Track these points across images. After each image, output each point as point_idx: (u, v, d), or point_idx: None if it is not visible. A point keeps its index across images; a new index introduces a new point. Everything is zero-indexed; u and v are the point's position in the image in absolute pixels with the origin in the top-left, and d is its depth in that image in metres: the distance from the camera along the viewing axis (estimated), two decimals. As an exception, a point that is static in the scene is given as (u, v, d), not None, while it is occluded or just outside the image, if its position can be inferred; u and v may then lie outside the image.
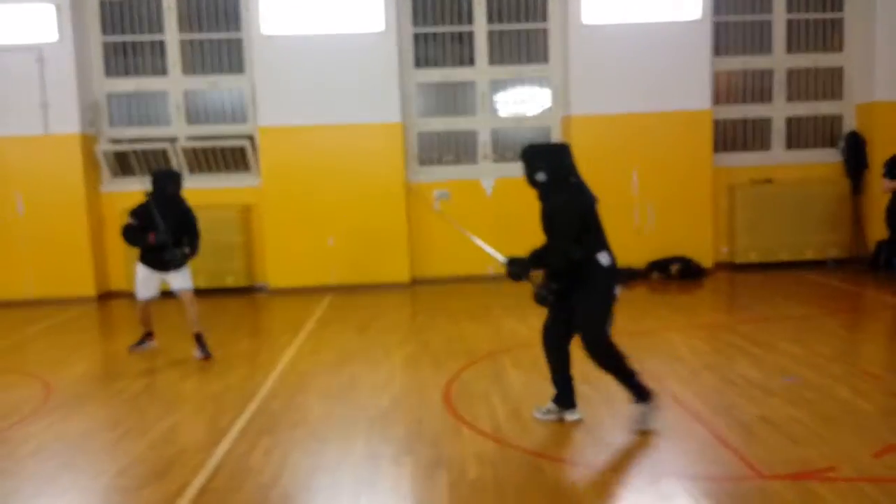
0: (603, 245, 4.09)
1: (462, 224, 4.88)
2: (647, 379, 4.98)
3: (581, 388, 4.88)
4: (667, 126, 9.36)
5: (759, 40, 9.87)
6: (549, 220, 4.16)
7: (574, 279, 4.04)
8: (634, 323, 6.87)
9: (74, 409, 4.97)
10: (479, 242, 4.73)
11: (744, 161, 9.94)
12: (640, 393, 4.07)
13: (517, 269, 4.14)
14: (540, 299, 4.10)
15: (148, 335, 6.42)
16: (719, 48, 9.73)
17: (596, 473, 3.60)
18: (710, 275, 9.42)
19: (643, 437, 4.00)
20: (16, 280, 9.22)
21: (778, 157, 10.02)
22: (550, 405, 4.32)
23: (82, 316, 8.53)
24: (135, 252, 6.21)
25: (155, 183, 6.03)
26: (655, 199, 9.51)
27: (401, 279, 9.29)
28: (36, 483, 3.76)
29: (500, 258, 4.31)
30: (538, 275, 4.17)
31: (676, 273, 9.25)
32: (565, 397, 4.28)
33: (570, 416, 4.27)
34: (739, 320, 6.98)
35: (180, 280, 6.10)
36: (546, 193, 4.16)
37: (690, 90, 9.40)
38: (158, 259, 5.97)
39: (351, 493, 3.49)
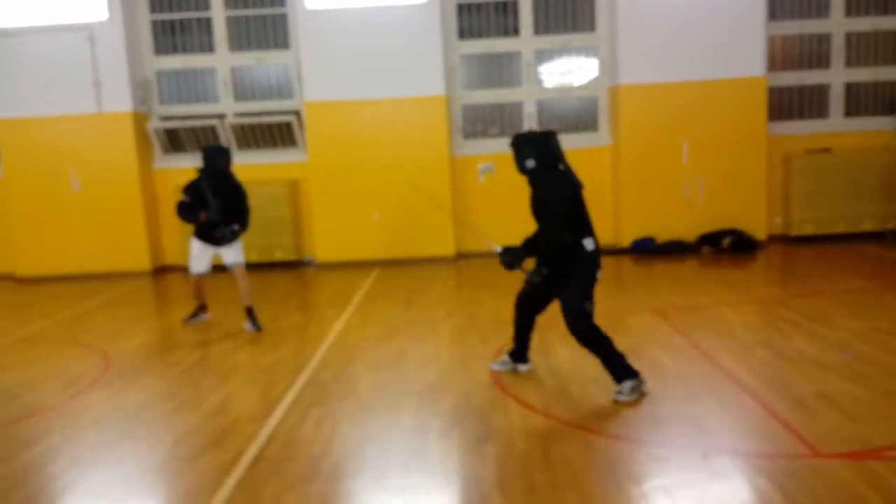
0: (588, 231, 4.29)
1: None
2: (700, 355, 4.96)
3: (630, 362, 4.86)
4: (719, 94, 9.08)
5: (816, 3, 9.46)
6: (541, 207, 4.35)
7: (559, 262, 4.28)
8: (685, 298, 6.76)
9: (132, 380, 5.14)
10: (472, 229, 4.84)
11: (799, 129, 9.61)
12: (624, 373, 4.20)
13: (510, 258, 4.31)
14: (530, 284, 4.44)
15: (202, 308, 6.56)
16: (774, 12, 9.36)
17: (646, 449, 3.55)
18: (763, 248, 9.17)
19: (695, 412, 3.94)
20: (73, 255, 9.53)
21: (836, 125, 9.65)
22: (506, 357, 4.87)
23: (138, 290, 8.79)
24: (188, 227, 6.33)
25: (205, 159, 6.10)
26: (706, 171, 9.27)
27: (446, 253, 9.29)
28: (97, 451, 3.89)
29: (495, 248, 4.43)
30: (530, 262, 4.35)
31: (728, 246, 9.03)
32: (520, 353, 4.81)
33: (522, 368, 4.81)
34: (794, 295, 6.79)
35: (233, 254, 6.20)
36: (536, 180, 4.37)
37: (744, 56, 9.07)
38: (211, 234, 6.08)
39: (400, 465, 3.53)
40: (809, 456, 3.37)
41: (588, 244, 4.25)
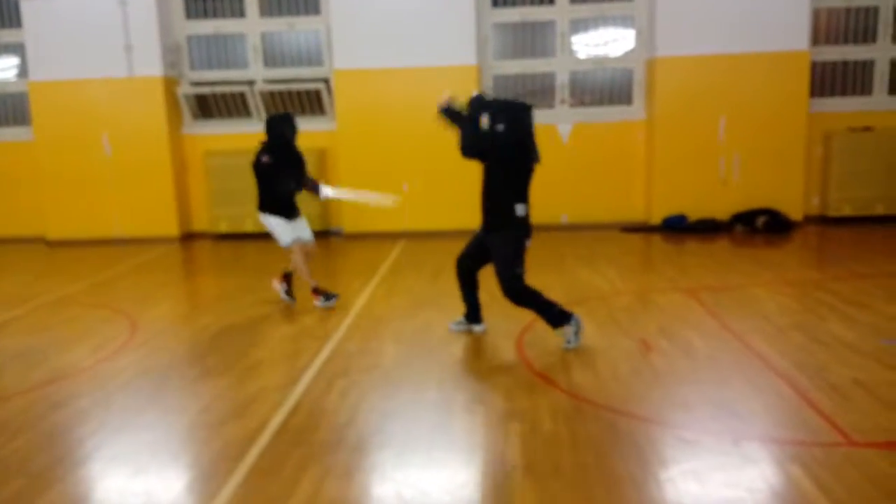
0: (523, 199, 4.56)
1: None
2: (731, 337, 4.85)
3: (660, 343, 4.76)
4: (760, 68, 8.81)
5: (863, -25, 9.11)
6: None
7: (491, 223, 4.64)
8: (716, 278, 6.63)
9: (159, 345, 5.18)
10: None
11: (841, 106, 9.32)
12: (559, 318, 4.58)
13: (447, 112, 4.87)
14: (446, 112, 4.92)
15: (326, 292, 6.04)
16: (820, -16, 9.04)
17: (675, 433, 3.47)
18: (799, 228, 8.95)
19: (726, 396, 3.86)
20: (103, 220, 9.63)
21: (880, 102, 9.34)
22: (461, 319, 5.15)
23: (166, 256, 8.86)
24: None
25: (271, 129, 5.83)
26: (743, 147, 9.03)
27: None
28: (124, 416, 3.93)
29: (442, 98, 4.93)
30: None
31: (762, 226, 8.83)
32: (473, 314, 5.09)
33: (476, 328, 5.10)
34: (831, 277, 6.60)
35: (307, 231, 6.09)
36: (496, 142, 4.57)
37: (786, 29, 8.78)
38: (289, 208, 5.93)
39: (424, 439, 3.50)
40: (843, 444, 3.28)
41: (519, 209, 4.54)
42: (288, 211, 5.95)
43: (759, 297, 5.87)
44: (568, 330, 4.60)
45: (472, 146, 4.63)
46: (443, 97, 4.97)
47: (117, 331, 5.55)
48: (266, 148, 5.84)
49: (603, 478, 3.06)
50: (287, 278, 6.16)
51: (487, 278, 4.94)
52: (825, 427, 3.46)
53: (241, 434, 3.59)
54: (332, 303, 5.97)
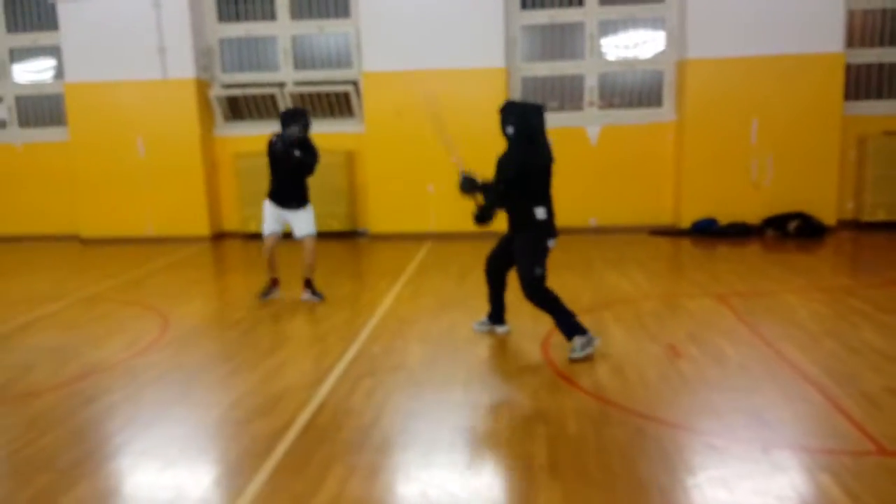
0: (543, 201, 4.58)
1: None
2: (762, 343, 4.78)
3: (689, 349, 4.72)
4: (793, 70, 8.67)
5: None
6: (497, 166, 4.63)
7: (514, 225, 4.69)
8: (747, 283, 6.53)
9: (190, 342, 5.26)
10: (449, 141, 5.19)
11: (877, 110, 9.14)
12: (574, 329, 4.52)
13: (467, 185, 4.75)
14: (476, 219, 4.79)
15: (274, 282, 6.32)
16: (856, -15, 8.88)
17: (703, 439, 3.43)
18: (832, 233, 8.79)
19: (756, 403, 3.80)
20: (136, 219, 9.80)
21: (916, 106, 9.13)
22: (485, 319, 5.19)
23: (197, 254, 8.99)
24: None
25: (284, 124, 5.95)
26: (776, 150, 8.90)
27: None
28: (155, 410, 4.00)
29: (462, 169, 4.82)
30: (480, 198, 4.76)
31: (794, 231, 8.68)
32: (497, 315, 5.14)
33: (500, 329, 5.14)
34: (865, 284, 6.48)
35: (304, 225, 6.14)
36: (508, 145, 4.63)
37: (821, 31, 8.63)
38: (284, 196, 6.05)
39: (448, 439, 3.50)
40: (876, 454, 3.22)
41: (539, 213, 4.56)
42: (280, 197, 6.05)
43: (791, 304, 5.77)
44: (578, 341, 4.50)
45: (486, 217, 4.75)
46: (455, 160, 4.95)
47: (149, 327, 5.65)
48: (292, 141, 5.92)
49: (629, 482, 3.04)
50: (308, 283, 6.21)
51: (516, 279, 4.93)
52: (856, 435, 3.39)
53: (268, 431, 3.63)
54: (267, 298, 6.23)
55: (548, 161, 4.61)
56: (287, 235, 6.30)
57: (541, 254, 4.59)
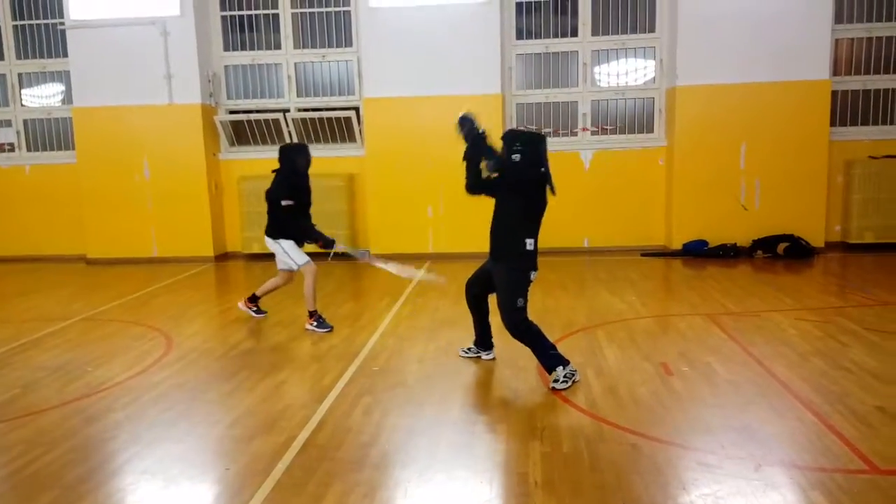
0: (533, 233, 4.50)
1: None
2: (753, 362, 4.87)
3: (680, 366, 4.78)
4: (781, 97, 8.88)
5: (885, 6, 9.14)
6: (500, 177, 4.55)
7: (499, 253, 4.58)
8: (737, 303, 6.63)
9: (192, 361, 5.32)
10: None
11: (862, 135, 9.35)
12: (554, 361, 4.45)
13: (467, 127, 4.64)
14: (487, 170, 4.61)
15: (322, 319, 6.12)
16: (842, 15, 9.09)
17: (696, 456, 3.49)
18: (820, 254, 8.92)
19: (747, 421, 3.88)
20: (141, 240, 9.92)
21: (900, 131, 9.32)
22: (472, 346, 5.15)
23: (201, 275, 9.09)
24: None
25: (284, 159, 5.99)
26: (764, 174, 9.08)
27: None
28: (156, 429, 4.04)
29: (466, 114, 4.70)
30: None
31: (783, 252, 8.81)
32: (484, 341, 5.08)
33: (486, 356, 5.08)
34: (853, 304, 6.59)
35: (280, 260, 6.21)
36: (513, 171, 4.46)
37: (808, 59, 8.86)
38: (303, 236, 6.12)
39: (446, 458, 3.56)
40: (867, 471, 3.27)
41: (529, 244, 4.46)
42: (298, 236, 6.12)
43: (780, 323, 5.87)
44: (559, 371, 4.43)
45: (476, 185, 4.64)
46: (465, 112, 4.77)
47: (153, 347, 5.72)
48: (295, 180, 6.01)
49: (622, 500, 3.09)
50: (310, 314, 6.13)
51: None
52: (848, 454, 3.45)
53: (268, 449, 3.68)
54: (322, 331, 5.99)
55: (551, 193, 4.50)
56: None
57: (523, 286, 4.49)
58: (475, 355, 5.13)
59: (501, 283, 4.55)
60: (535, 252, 4.51)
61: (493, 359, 5.07)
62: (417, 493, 3.21)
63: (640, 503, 3.06)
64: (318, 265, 6.24)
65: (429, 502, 3.13)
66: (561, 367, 4.43)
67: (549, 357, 4.48)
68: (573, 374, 4.49)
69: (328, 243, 6.04)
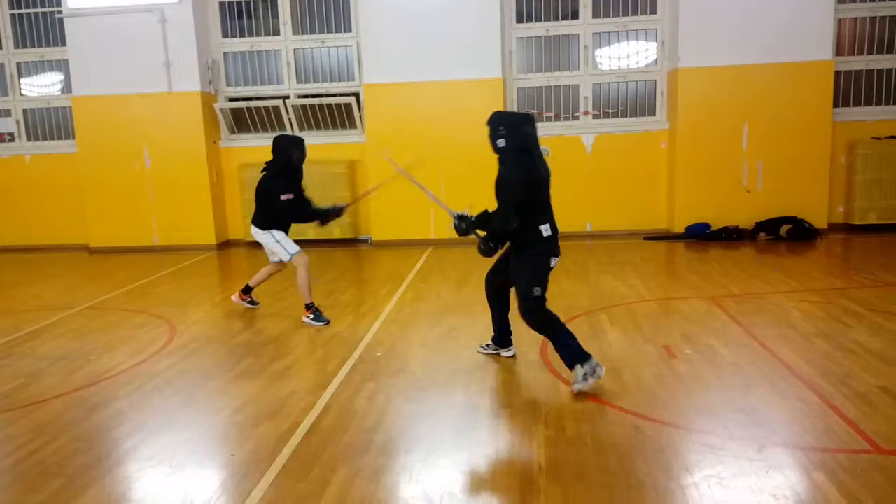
0: (547, 217, 4.29)
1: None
2: (756, 344, 4.87)
3: (683, 348, 4.78)
4: (784, 78, 8.82)
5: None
6: (497, 186, 4.29)
7: (515, 242, 4.32)
8: (741, 285, 6.63)
9: (196, 349, 5.34)
10: (433, 197, 5.07)
11: (866, 116, 9.29)
12: (575, 356, 4.13)
13: (464, 225, 4.44)
14: (483, 253, 4.38)
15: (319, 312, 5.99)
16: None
17: (699, 438, 3.50)
18: (824, 236, 8.89)
19: (750, 402, 3.88)
20: (143, 229, 9.92)
21: (905, 111, 9.27)
22: (490, 343, 4.90)
23: (203, 263, 9.09)
24: (251, 203, 6.29)
25: (279, 150, 5.83)
26: (767, 156, 9.03)
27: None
28: (161, 417, 4.06)
29: (451, 212, 4.54)
30: (482, 232, 4.40)
31: (786, 234, 8.79)
32: (503, 337, 4.83)
33: (505, 353, 4.85)
34: (857, 285, 6.57)
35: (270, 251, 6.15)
36: (502, 160, 4.29)
37: (810, 39, 8.79)
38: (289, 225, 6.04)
39: (451, 442, 3.58)
40: (870, 452, 3.28)
41: (545, 230, 4.25)
42: (287, 227, 6.05)
43: (783, 305, 5.87)
44: (580, 370, 4.09)
45: (500, 241, 4.34)
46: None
47: (156, 335, 5.74)
48: (288, 171, 5.87)
49: (625, 482, 3.10)
50: (306, 307, 6.04)
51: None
52: (851, 434, 3.46)
53: (273, 435, 3.70)
54: (319, 325, 5.86)
55: (546, 174, 4.31)
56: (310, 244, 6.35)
57: (542, 273, 4.25)
58: (494, 352, 4.88)
59: (518, 270, 4.30)
60: (553, 237, 4.28)
61: (514, 356, 4.81)
62: (422, 477, 3.22)
63: (643, 485, 3.07)
64: (320, 251, 6.24)
65: (434, 486, 3.14)
66: (579, 366, 4.10)
67: (567, 350, 4.17)
68: (594, 371, 4.10)
69: (339, 211, 6.00)
